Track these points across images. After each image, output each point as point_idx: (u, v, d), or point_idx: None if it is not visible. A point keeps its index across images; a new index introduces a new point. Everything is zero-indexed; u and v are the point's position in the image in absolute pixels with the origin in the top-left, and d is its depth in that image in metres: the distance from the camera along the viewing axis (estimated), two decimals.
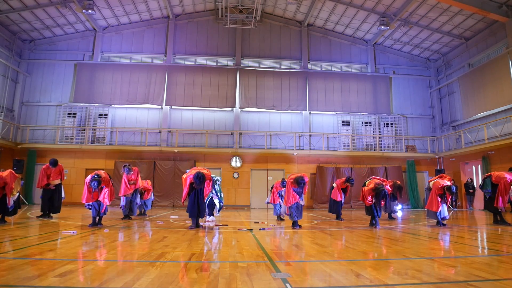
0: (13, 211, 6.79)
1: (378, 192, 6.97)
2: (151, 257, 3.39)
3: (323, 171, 17.49)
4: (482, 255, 3.84)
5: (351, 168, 17.64)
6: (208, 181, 6.58)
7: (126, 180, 8.33)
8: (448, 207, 10.65)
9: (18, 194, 6.79)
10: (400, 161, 18.03)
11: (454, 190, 6.98)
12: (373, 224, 7.14)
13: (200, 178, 6.27)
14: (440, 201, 7.17)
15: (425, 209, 7.97)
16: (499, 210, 7.61)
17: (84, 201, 6.50)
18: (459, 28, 16.95)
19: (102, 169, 8.23)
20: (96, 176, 6.45)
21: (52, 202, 8.20)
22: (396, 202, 9.99)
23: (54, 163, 8.21)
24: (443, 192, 7.12)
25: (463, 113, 17.61)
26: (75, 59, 18.68)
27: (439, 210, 7.15)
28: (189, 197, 6.48)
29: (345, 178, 9.26)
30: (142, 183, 9.29)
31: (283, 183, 8.69)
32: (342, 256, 3.66)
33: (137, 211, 9.39)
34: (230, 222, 8.07)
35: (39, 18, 16.99)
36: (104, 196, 6.50)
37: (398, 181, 9.76)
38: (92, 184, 6.36)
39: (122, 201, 8.34)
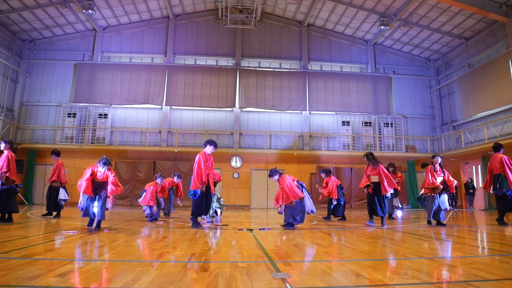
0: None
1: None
2: (151, 257, 3.39)
3: None
4: (482, 255, 3.84)
5: (351, 168, 17.63)
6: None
7: (153, 191, 7.79)
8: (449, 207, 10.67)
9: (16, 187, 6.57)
10: (400, 161, 18.01)
11: (439, 158, 7.58)
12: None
13: (210, 142, 7.15)
14: (441, 191, 7.33)
15: (421, 191, 8.21)
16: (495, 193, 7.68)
17: (82, 191, 5.61)
18: (459, 28, 16.95)
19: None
20: (105, 159, 5.81)
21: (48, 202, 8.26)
22: (398, 199, 10.06)
23: (56, 153, 8.39)
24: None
25: (463, 113, 17.60)
26: (75, 59, 18.69)
27: (440, 197, 7.29)
28: (195, 197, 6.49)
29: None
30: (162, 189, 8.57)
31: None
32: (342, 256, 3.65)
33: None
34: (230, 222, 8.07)
35: (39, 18, 16.99)
36: (109, 183, 5.70)
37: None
38: (101, 162, 5.74)
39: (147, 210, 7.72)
